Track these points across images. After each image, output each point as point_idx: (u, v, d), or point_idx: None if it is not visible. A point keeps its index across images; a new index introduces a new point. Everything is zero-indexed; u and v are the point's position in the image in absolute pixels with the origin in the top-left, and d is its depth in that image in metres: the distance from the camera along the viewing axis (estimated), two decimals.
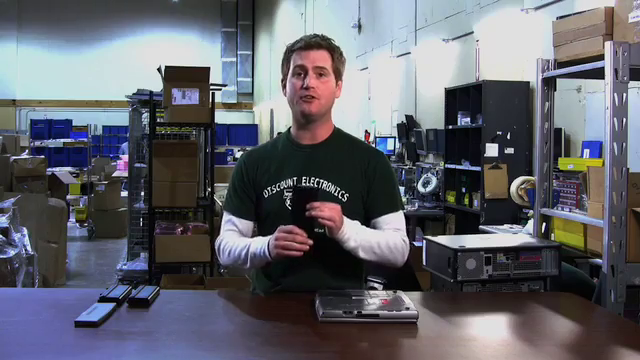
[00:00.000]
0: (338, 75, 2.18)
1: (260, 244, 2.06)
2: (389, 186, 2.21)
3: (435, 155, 7.79)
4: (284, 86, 2.19)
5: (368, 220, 2.18)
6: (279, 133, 2.46)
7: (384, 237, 2.11)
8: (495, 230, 5.22)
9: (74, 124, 11.87)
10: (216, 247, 2.24)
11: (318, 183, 2.14)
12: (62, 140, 10.75)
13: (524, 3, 5.97)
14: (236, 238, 2.19)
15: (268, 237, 2.05)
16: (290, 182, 2.14)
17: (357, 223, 2.08)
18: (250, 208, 2.22)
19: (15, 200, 5.07)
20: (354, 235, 2.03)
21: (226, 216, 2.25)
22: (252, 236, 2.23)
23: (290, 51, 2.16)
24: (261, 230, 2.23)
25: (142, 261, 6.43)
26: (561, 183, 2.96)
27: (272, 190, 2.16)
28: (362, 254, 2.06)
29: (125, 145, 13.32)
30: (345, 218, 2.02)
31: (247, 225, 2.23)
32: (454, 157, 6.49)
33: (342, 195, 2.13)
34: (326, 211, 1.95)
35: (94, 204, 9.86)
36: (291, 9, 16.10)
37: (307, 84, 2.10)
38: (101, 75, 19.78)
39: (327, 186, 2.13)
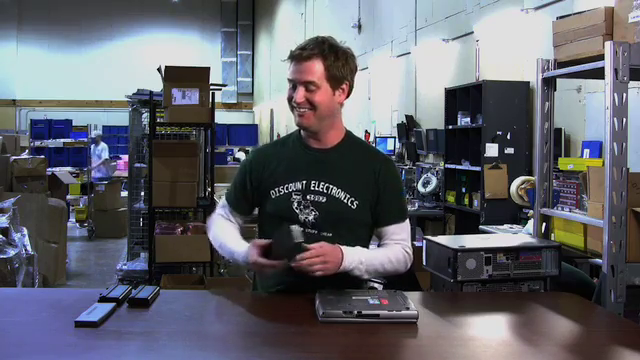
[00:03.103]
0: (336, 81, 2.10)
1: (242, 255, 2.11)
2: (397, 196, 2.23)
3: (435, 155, 7.79)
4: None
5: (375, 227, 2.20)
6: (290, 135, 2.42)
7: (386, 255, 2.15)
8: (495, 230, 5.22)
9: (74, 124, 11.85)
10: (207, 225, 2.34)
11: (328, 188, 2.12)
12: (62, 140, 10.74)
13: (524, 3, 5.97)
14: (226, 230, 2.25)
15: (247, 248, 2.09)
16: (299, 185, 2.13)
17: (358, 249, 2.09)
18: (244, 207, 2.27)
19: (15, 200, 5.07)
20: (357, 265, 2.06)
21: (224, 201, 2.31)
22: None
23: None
24: (266, 228, 2.20)
25: (142, 261, 6.43)
26: (561, 183, 2.96)
27: (279, 191, 2.15)
28: (367, 276, 2.12)
29: (100, 148, 11.89)
30: (345, 248, 2.04)
31: (238, 218, 2.30)
32: (454, 157, 6.49)
33: (352, 202, 2.13)
34: (315, 262, 1.96)
35: (94, 204, 9.86)
36: (291, 9, 16.09)
37: (295, 99, 2.09)
38: (101, 75, 19.78)
39: (337, 192, 2.13)
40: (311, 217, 2.11)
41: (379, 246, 2.22)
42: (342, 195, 2.13)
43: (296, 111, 2.11)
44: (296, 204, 2.12)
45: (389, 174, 2.20)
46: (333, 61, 2.08)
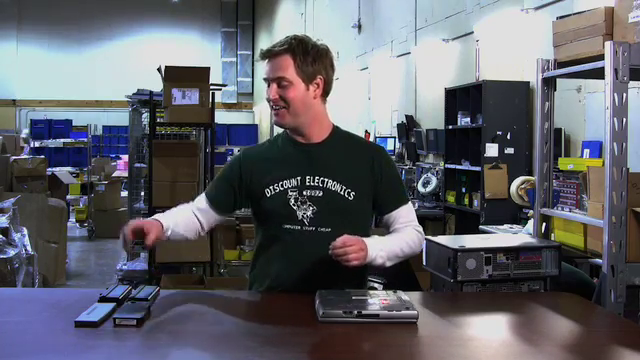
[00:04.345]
0: (308, 76, 2.10)
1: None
2: (396, 181, 2.25)
3: (435, 155, 7.79)
4: None
5: (380, 216, 2.22)
6: (278, 135, 2.44)
7: (402, 239, 2.17)
8: (495, 230, 5.22)
9: (74, 124, 11.86)
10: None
11: (323, 182, 2.13)
12: (62, 140, 10.74)
13: (524, 3, 5.97)
14: (181, 213, 2.22)
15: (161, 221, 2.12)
16: (294, 182, 2.13)
17: (376, 237, 2.11)
18: (223, 202, 2.21)
19: (15, 200, 5.08)
20: (379, 252, 2.07)
21: (201, 196, 2.25)
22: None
23: None
24: (264, 229, 2.20)
25: (142, 261, 6.43)
26: (561, 183, 2.96)
27: (275, 189, 2.14)
28: (389, 263, 2.12)
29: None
30: (367, 240, 2.05)
31: (209, 214, 2.22)
32: (454, 157, 6.49)
33: (348, 194, 2.13)
34: (349, 251, 1.97)
35: (94, 204, 9.86)
36: (291, 9, 16.09)
37: (269, 96, 2.11)
38: (101, 75, 19.76)
39: (332, 185, 2.13)
40: (309, 212, 2.11)
41: (389, 233, 2.23)
42: (338, 187, 2.13)
43: (273, 110, 2.13)
44: (293, 200, 2.11)
45: (383, 161, 2.22)
46: (303, 56, 2.09)
